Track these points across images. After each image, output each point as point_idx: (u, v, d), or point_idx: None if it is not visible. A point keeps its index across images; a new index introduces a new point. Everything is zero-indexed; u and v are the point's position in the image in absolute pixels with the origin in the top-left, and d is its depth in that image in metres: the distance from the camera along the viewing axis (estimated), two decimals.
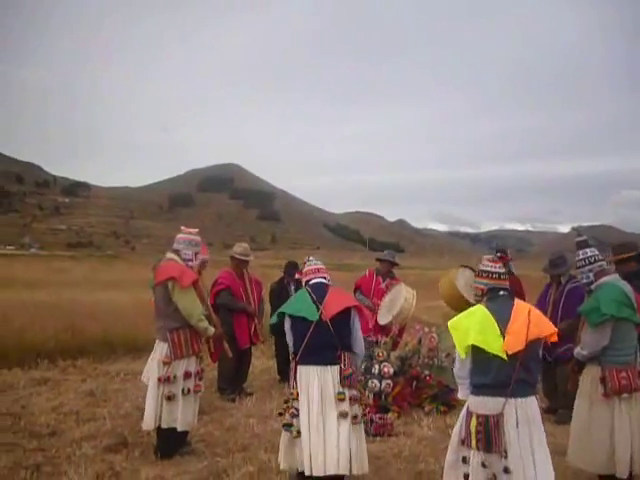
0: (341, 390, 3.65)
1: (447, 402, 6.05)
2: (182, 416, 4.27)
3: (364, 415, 3.89)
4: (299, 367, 3.76)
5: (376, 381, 5.83)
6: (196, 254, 4.63)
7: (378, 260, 7.33)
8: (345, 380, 3.68)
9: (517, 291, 6.77)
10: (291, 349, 3.90)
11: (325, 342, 3.73)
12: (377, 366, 5.92)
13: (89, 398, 5.98)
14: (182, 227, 4.73)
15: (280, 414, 3.92)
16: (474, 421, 3.12)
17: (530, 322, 3.14)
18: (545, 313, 5.79)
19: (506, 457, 3.01)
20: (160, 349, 4.39)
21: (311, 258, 4.18)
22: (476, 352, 3.14)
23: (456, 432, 3.26)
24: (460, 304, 6.16)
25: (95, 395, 6.08)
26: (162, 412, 4.24)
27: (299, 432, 3.59)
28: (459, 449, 3.20)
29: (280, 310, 3.96)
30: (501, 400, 3.07)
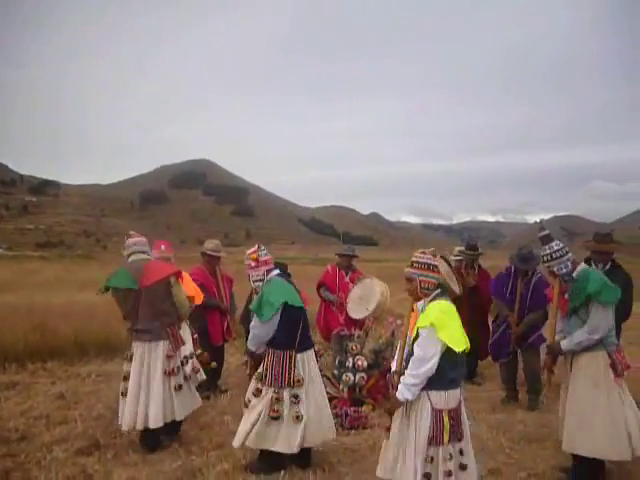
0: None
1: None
2: (187, 403, 4.65)
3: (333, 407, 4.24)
4: (299, 355, 4.11)
5: (350, 374, 5.87)
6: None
7: (338, 255, 7.56)
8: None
9: (483, 286, 6.96)
10: (282, 340, 4.11)
11: (308, 329, 4.28)
12: (351, 359, 5.96)
13: (60, 401, 5.87)
14: (131, 232, 4.89)
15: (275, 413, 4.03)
16: (446, 417, 3.18)
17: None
18: (509, 303, 5.95)
19: (460, 440, 3.24)
20: (159, 348, 4.50)
21: (262, 247, 4.36)
22: (447, 349, 3.19)
23: (411, 436, 3.22)
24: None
25: (66, 398, 5.96)
26: (174, 405, 4.48)
27: (300, 416, 4.02)
28: (426, 450, 3.16)
29: (283, 300, 4.08)
30: (458, 391, 3.30)
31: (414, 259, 3.38)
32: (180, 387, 4.54)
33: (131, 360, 4.51)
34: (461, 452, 3.22)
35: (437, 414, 3.18)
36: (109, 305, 4.90)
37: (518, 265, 6.05)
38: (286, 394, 4.04)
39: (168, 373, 4.46)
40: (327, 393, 5.78)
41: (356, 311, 6.73)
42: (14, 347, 7.61)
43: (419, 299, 3.38)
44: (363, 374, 5.92)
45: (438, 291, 3.34)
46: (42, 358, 7.64)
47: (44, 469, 4.05)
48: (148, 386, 4.41)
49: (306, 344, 4.20)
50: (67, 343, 8.12)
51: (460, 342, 3.19)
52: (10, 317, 9.00)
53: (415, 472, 3.14)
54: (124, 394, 4.47)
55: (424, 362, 3.14)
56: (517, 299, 5.96)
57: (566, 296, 3.98)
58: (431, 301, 3.31)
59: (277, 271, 4.34)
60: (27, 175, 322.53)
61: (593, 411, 3.75)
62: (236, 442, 4.08)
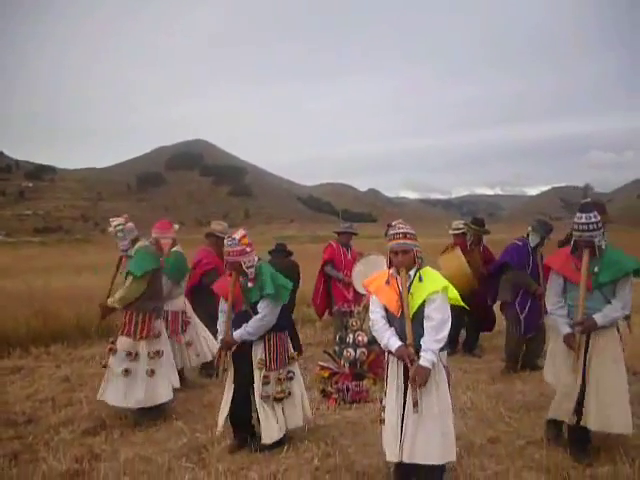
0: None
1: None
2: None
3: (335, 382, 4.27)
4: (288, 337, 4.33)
5: (351, 350, 5.94)
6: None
7: (338, 233, 7.44)
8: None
9: (487, 260, 6.98)
10: (283, 322, 4.27)
11: None
12: (351, 335, 6.02)
13: (65, 384, 5.95)
14: (125, 215, 5.00)
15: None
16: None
17: None
18: (537, 277, 5.98)
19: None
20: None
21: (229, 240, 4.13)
22: None
23: (432, 402, 3.31)
24: (466, 282, 6.54)
25: (70, 381, 6.05)
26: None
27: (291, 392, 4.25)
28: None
29: (290, 288, 4.22)
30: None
31: (406, 231, 3.40)
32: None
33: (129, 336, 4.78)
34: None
35: (448, 372, 3.38)
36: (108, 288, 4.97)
37: (545, 236, 6.04)
38: (283, 373, 4.20)
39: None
40: (329, 369, 5.92)
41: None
42: (17, 332, 7.68)
43: (409, 269, 3.37)
44: (364, 349, 5.99)
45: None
46: (45, 342, 7.73)
47: (52, 450, 4.12)
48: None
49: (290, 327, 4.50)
50: (69, 327, 8.19)
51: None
52: (11, 303, 9.06)
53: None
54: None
55: (445, 324, 3.25)
56: (541, 271, 5.85)
57: (594, 270, 3.79)
58: (420, 268, 3.37)
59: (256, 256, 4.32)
60: (23, 160, 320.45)
61: (620, 387, 3.77)
62: (268, 440, 4.05)
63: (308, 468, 3.77)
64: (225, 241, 4.12)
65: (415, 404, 3.15)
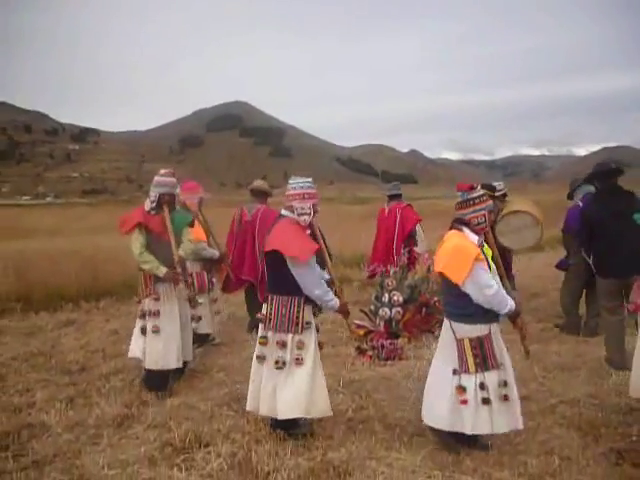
0: (263, 334, 3.72)
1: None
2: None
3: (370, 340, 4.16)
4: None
5: (386, 309, 6.04)
6: (161, 194, 4.56)
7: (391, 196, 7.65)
8: (269, 322, 3.69)
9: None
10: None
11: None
12: (387, 295, 6.11)
13: (114, 336, 6.29)
14: (161, 170, 4.76)
15: None
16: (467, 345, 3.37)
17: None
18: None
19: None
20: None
21: (290, 180, 3.78)
22: None
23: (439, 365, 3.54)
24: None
25: (119, 333, 6.38)
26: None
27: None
28: (462, 378, 3.39)
29: None
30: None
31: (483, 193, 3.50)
32: (143, 331, 4.79)
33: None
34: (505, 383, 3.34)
35: (463, 342, 3.41)
36: None
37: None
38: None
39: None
40: (364, 327, 6.05)
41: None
42: (68, 288, 8.10)
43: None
44: (399, 309, 6.08)
45: None
46: (95, 297, 8.15)
47: (104, 396, 4.43)
48: None
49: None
50: (117, 284, 8.58)
51: None
52: (63, 261, 9.50)
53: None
54: None
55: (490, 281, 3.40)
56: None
57: None
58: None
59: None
60: (67, 123, 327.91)
61: None
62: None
63: (342, 419, 3.93)
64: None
65: (527, 352, 3.73)
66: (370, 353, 5.47)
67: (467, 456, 3.39)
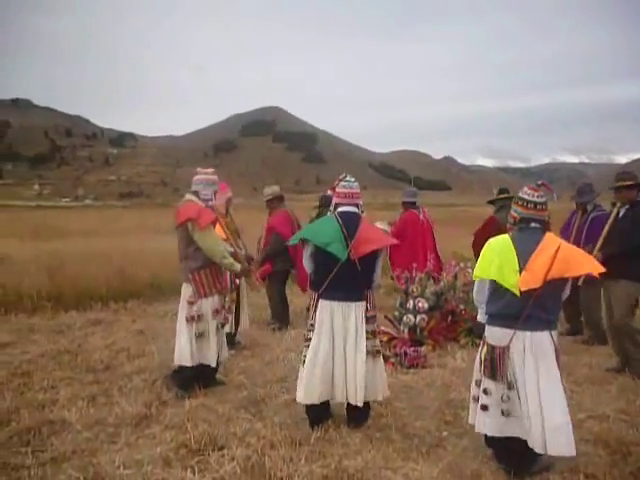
0: (369, 328, 3.79)
1: (482, 335, 6.10)
2: (213, 352, 4.48)
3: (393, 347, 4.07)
4: (321, 301, 3.79)
5: (411, 316, 5.94)
6: (215, 193, 4.66)
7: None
8: (370, 319, 3.83)
9: None
10: (310, 277, 3.94)
11: (351, 281, 3.73)
12: (412, 301, 6.01)
13: (139, 336, 6.37)
14: (198, 168, 4.73)
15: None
16: (485, 349, 3.26)
17: (556, 259, 3.04)
18: (568, 239, 5.79)
19: (509, 388, 3.14)
20: (184, 290, 4.53)
21: (348, 177, 3.95)
22: (494, 281, 3.21)
23: (476, 359, 3.44)
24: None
25: (145, 333, 6.46)
26: (199, 350, 4.43)
27: (304, 361, 3.80)
28: (477, 373, 3.38)
29: (304, 236, 3.85)
30: (509, 332, 3.15)
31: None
32: (202, 335, 4.41)
33: None
34: (507, 397, 3.16)
35: (482, 344, 3.36)
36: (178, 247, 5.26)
37: (575, 198, 6.20)
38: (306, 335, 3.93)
39: (187, 318, 4.39)
40: (388, 333, 5.96)
41: None
42: (98, 288, 8.28)
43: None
44: (424, 316, 5.98)
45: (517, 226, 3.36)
46: (123, 298, 8.29)
47: (125, 395, 4.47)
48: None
49: (334, 295, 3.74)
50: (144, 285, 8.74)
51: (482, 272, 3.28)
52: (94, 262, 9.73)
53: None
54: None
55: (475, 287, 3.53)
56: (573, 233, 6.08)
57: None
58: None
59: (343, 208, 3.86)
60: (106, 128, 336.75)
61: None
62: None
63: (360, 427, 3.87)
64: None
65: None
66: (392, 360, 5.38)
67: (487, 470, 3.29)
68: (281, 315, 6.91)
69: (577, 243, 5.83)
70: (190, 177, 4.75)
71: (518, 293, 3.09)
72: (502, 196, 6.64)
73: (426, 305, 6.01)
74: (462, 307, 6.30)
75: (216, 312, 4.49)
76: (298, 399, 3.83)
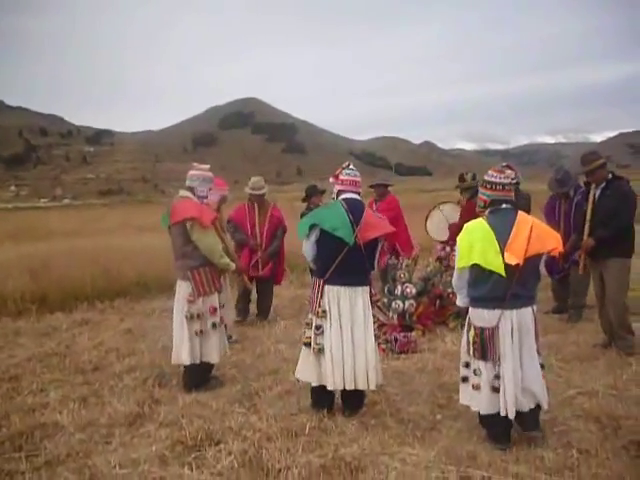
0: (373, 313, 3.95)
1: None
2: (215, 349, 4.47)
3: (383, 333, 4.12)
4: (327, 287, 3.81)
5: (399, 302, 5.97)
6: (209, 190, 4.61)
7: (370, 187, 7.43)
8: (374, 304, 3.98)
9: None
10: (312, 263, 3.98)
11: (357, 265, 3.81)
12: (399, 287, 6.04)
13: (128, 335, 6.31)
14: (194, 164, 4.66)
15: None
16: (472, 332, 3.34)
17: (531, 237, 3.19)
18: (556, 226, 5.83)
19: (499, 365, 3.25)
20: (181, 288, 4.46)
21: (352, 166, 4.03)
22: (474, 266, 3.27)
23: (462, 342, 3.52)
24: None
25: (133, 332, 6.40)
26: (195, 348, 4.39)
27: (322, 349, 3.78)
28: (463, 356, 3.48)
29: (313, 222, 3.82)
30: (497, 312, 3.26)
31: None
32: (203, 333, 4.39)
33: None
34: (497, 376, 3.28)
35: (468, 326, 3.43)
36: (169, 246, 5.03)
37: (556, 190, 6.23)
38: (312, 322, 3.90)
39: (186, 316, 4.34)
40: (377, 320, 5.97)
41: None
42: (83, 288, 8.17)
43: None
44: (412, 301, 6.01)
45: (488, 209, 3.44)
46: (109, 297, 8.19)
47: (116, 395, 4.43)
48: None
49: (340, 280, 3.78)
50: (131, 283, 8.64)
51: (465, 260, 3.30)
52: (79, 261, 9.59)
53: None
54: None
55: (454, 274, 3.54)
56: (561, 220, 6.14)
57: None
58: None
59: (347, 195, 3.92)
60: (82, 126, 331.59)
61: None
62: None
63: (354, 414, 3.88)
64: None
65: None
66: (383, 346, 5.40)
67: (482, 450, 3.33)
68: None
69: (567, 232, 5.92)
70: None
71: (504, 274, 3.17)
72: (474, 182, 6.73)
73: (414, 290, 6.04)
74: (449, 291, 6.34)
75: (214, 310, 4.46)
76: (304, 378, 3.94)
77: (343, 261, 3.74)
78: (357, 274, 3.82)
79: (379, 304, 6.30)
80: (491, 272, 3.21)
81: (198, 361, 4.43)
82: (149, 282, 8.81)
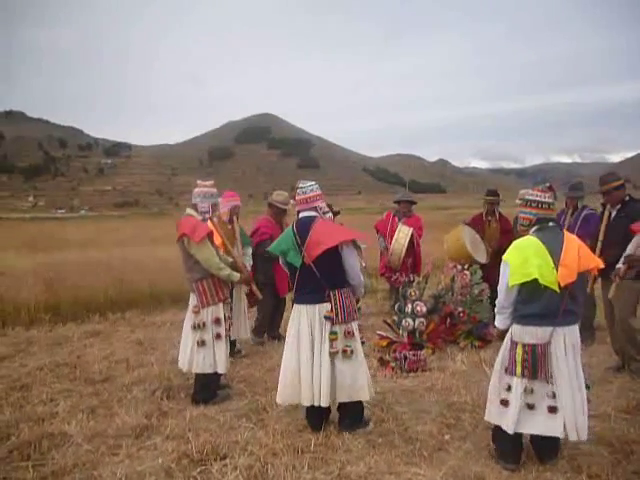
0: (333, 330, 3.75)
1: (482, 337, 6.13)
2: (220, 360, 4.48)
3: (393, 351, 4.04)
4: (295, 305, 3.94)
5: (409, 320, 5.93)
6: (213, 205, 4.69)
7: (396, 202, 7.69)
8: (337, 317, 3.76)
9: (504, 233, 6.88)
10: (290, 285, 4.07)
11: (312, 283, 3.79)
12: (410, 305, 6.01)
13: (138, 347, 6.35)
14: (198, 181, 4.79)
15: None
16: (520, 350, 3.29)
17: (580, 253, 3.27)
18: None
19: (553, 384, 3.22)
20: (191, 300, 4.62)
21: (301, 184, 4.03)
22: (527, 283, 3.25)
23: (499, 362, 3.45)
24: (464, 259, 6.68)
25: (143, 344, 6.44)
26: (196, 358, 4.44)
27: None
28: (502, 377, 3.39)
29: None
30: (549, 329, 3.24)
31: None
32: (204, 343, 4.43)
33: None
34: (553, 395, 3.23)
35: (512, 345, 3.36)
36: (181, 258, 5.13)
37: (569, 194, 6.28)
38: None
39: (192, 326, 4.47)
40: (387, 338, 5.96)
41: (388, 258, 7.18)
42: (96, 299, 8.26)
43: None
44: (422, 319, 5.97)
45: (534, 227, 3.45)
46: (121, 309, 8.26)
47: (125, 406, 4.44)
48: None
49: (301, 299, 3.86)
50: (143, 295, 8.71)
51: (521, 275, 3.24)
52: (92, 272, 9.71)
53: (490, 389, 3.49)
54: None
55: (500, 292, 3.44)
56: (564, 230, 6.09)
57: None
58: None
59: (301, 214, 3.96)
60: (101, 138, 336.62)
61: None
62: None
63: (362, 432, 3.85)
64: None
65: None
66: (392, 365, 5.37)
67: (491, 472, 3.28)
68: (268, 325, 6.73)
69: None
70: (185, 186, 4.75)
71: (558, 290, 3.20)
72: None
73: (424, 308, 6.00)
74: (460, 309, 6.31)
75: (217, 320, 4.49)
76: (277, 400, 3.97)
77: (299, 281, 3.85)
78: (314, 292, 3.80)
79: (389, 321, 6.30)
80: (545, 288, 3.20)
81: (209, 370, 4.46)
82: (161, 294, 8.88)
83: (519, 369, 3.28)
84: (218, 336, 4.48)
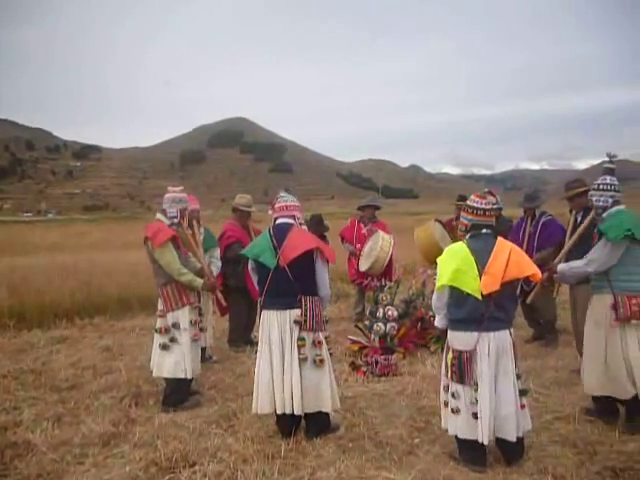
0: (301, 335, 3.77)
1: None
2: (186, 365, 4.43)
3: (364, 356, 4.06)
4: (263, 311, 3.93)
5: (381, 324, 5.96)
6: (182, 210, 4.68)
7: (359, 208, 7.72)
8: (306, 324, 3.78)
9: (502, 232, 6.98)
10: (258, 291, 4.03)
11: (284, 287, 3.81)
12: (381, 310, 6.04)
13: (106, 353, 6.23)
14: (169, 187, 4.80)
15: None
16: (450, 355, 3.36)
17: (510, 262, 3.27)
18: (520, 246, 5.91)
19: (476, 390, 3.27)
20: (158, 304, 4.62)
21: (282, 194, 4.16)
22: (455, 287, 3.32)
23: (442, 365, 3.56)
24: (436, 256, 6.58)
25: (112, 350, 6.33)
26: (166, 362, 4.44)
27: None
28: (444, 379, 3.51)
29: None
30: (474, 335, 3.29)
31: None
32: (166, 347, 4.44)
33: None
34: (475, 400, 3.29)
35: (446, 349, 3.47)
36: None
37: (523, 204, 6.34)
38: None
39: (157, 330, 4.52)
40: (359, 342, 5.98)
41: (362, 264, 7.06)
42: (63, 304, 8.08)
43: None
44: (394, 324, 6.01)
45: (469, 233, 3.51)
46: (89, 314, 8.11)
47: (92, 414, 4.36)
48: None
49: (271, 304, 3.87)
50: (111, 300, 8.56)
51: (444, 279, 3.34)
52: (59, 277, 9.49)
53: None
54: None
55: (434, 293, 3.55)
56: (525, 239, 6.18)
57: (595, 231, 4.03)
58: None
59: (278, 220, 4.03)
60: (70, 140, 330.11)
61: (595, 350, 3.94)
62: None
63: (332, 437, 3.85)
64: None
65: None
66: (364, 369, 5.40)
67: (459, 475, 3.32)
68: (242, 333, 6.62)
69: (530, 249, 5.99)
70: (157, 189, 4.73)
71: (480, 297, 3.24)
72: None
73: (396, 313, 6.05)
74: (431, 314, 6.36)
75: (181, 325, 4.46)
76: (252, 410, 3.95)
77: (271, 285, 3.85)
78: (285, 297, 3.82)
79: (361, 326, 6.32)
80: (468, 295, 3.27)
81: (180, 375, 4.43)
82: (131, 299, 8.73)
83: (450, 373, 3.40)
84: (183, 340, 4.44)
